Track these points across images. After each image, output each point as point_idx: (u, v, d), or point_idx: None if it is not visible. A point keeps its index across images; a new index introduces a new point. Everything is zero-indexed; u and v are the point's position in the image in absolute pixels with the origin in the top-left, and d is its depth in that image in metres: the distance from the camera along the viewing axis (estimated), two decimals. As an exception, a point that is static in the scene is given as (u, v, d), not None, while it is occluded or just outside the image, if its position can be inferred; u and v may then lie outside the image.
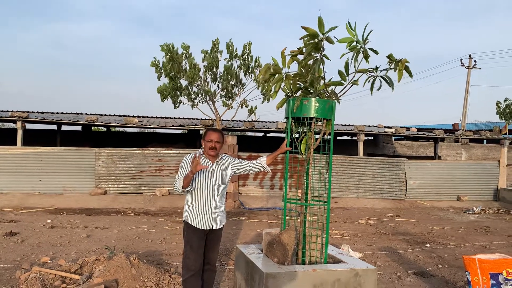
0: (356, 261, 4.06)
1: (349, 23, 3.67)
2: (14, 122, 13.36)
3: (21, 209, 10.58)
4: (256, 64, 12.39)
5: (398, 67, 3.70)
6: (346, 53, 3.78)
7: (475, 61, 30.38)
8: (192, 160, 3.61)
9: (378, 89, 3.92)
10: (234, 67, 12.36)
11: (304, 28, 3.71)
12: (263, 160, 4.16)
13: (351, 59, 3.78)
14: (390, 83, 3.78)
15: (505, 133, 16.43)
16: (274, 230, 4.17)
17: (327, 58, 3.81)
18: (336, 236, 8.42)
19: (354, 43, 3.71)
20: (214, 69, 12.37)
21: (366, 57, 3.73)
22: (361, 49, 3.71)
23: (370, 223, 10.22)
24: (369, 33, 3.67)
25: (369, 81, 3.88)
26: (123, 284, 4.72)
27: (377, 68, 3.81)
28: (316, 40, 3.69)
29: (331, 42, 3.71)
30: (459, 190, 14.98)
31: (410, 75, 3.79)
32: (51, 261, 5.83)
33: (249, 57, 12.36)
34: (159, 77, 12.34)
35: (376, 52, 3.74)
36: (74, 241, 7.26)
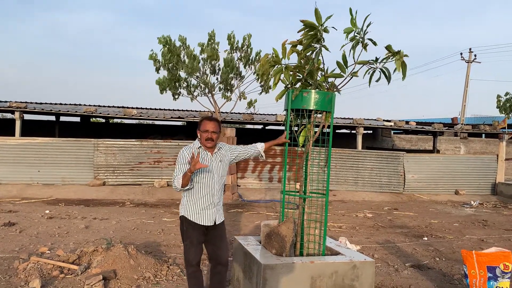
0: (354, 253, 4.07)
1: (350, 10, 3.63)
2: (13, 112, 13.31)
3: (19, 199, 10.58)
4: (257, 57, 12.33)
5: (396, 58, 3.68)
6: (346, 43, 3.76)
7: (475, 55, 30.31)
8: (189, 160, 3.38)
9: (377, 81, 3.89)
10: (234, 60, 12.31)
11: (302, 21, 3.68)
12: (261, 147, 4.02)
13: (350, 50, 3.76)
14: (387, 75, 3.77)
15: (504, 128, 16.44)
16: (273, 222, 4.17)
17: (327, 49, 3.79)
18: (334, 228, 8.45)
19: (353, 34, 3.70)
20: (213, 61, 12.31)
21: (365, 46, 3.72)
22: (360, 39, 3.69)
23: (368, 216, 10.25)
24: (368, 24, 3.66)
25: (368, 73, 3.87)
26: (121, 274, 4.73)
27: (377, 59, 3.79)
28: (314, 31, 3.67)
29: (326, 31, 3.69)
30: (457, 184, 15.01)
31: (404, 75, 3.78)
32: (49, 252, 5.83)
33: (249, 50, 12.30)
34: (157, 69, 12.29)
35: (374, 43, 3.72)
36: (73, 232, 7.26)
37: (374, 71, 3.84)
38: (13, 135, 12.82)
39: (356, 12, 3.63)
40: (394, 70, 3.73)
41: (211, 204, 3.66)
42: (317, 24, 3.66)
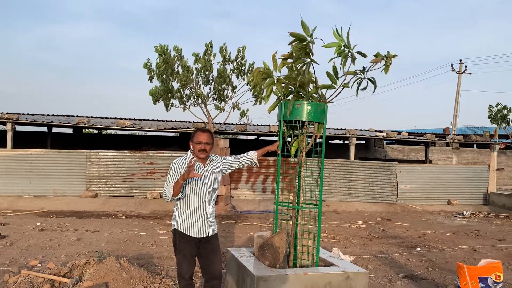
0: (347, 264, 4.07)
1: (336, 29, 3.71)
2: (4, 123, 13.22)
3: (10, 211, 10.46)
4: (250, 69, 12.39)
5: (386, 63, 3.75)
6: (334, 57, 3.81)
7: (465, 66, 30.67)
8: (188, 165, 3.33)
9: (364, 89, 3.94)
10: (227, 71, 12.36)
11: (291, 33, 3.73)
12: (254, 154, 4.05)
13: (340, 64, 3.82)
14: (374, 83, 3.84)
15: (495, 138, 16.59)
16: (266, 233, 4.17)
17: (315, 62, 3.85)
18: (327, 239, 8.44)
19: (342, 48, 3.75)
20: (207, 72, 12.36)
21: (354, 60, 3.78)
22: (349, 53, 3.75)
23: (361, 227, 10.25)
24: (347, 37, 3.73)
25: (357, 83, 3.92)
26: (113, 287, 4.68)
27: (364, 69, 3.84)
28: (304, 43, 3.72)
29: (313, 42, 3.75)
30: (449, 194, 15.10)
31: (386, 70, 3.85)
32: (40, 265, 5.77)
33: (243, 62, 12.36)
34: (151, 79, 12.30)
35: (364, 55, 3.78)
36: (64, 244, 7.19)
37: (361, 81, 3.90)
38: (5, 146, 12.73)
39: (341, 28, 3.69)
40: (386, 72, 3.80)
41: (204, 216, 3.63)
42: (306, 36, 3.71)
